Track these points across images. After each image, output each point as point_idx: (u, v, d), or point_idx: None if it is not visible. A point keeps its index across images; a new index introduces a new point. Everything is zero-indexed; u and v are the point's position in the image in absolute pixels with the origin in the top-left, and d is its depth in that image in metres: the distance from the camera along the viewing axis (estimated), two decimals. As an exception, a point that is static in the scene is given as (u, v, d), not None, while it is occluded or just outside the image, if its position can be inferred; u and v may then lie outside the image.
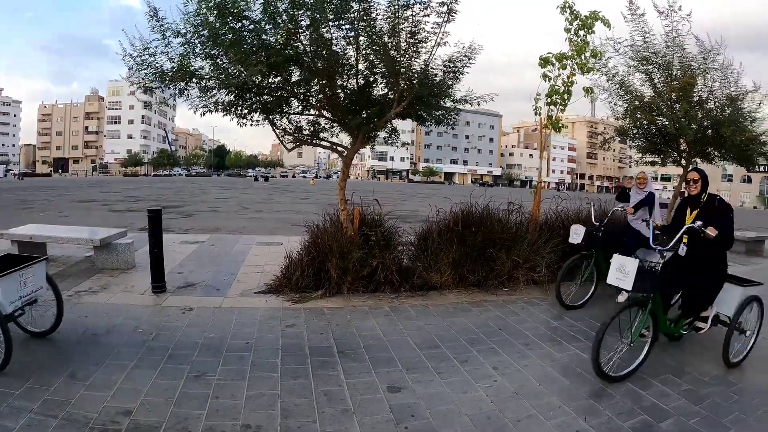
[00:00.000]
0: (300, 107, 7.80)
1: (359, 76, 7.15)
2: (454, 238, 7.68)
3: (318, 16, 5.99)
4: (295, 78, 7.10)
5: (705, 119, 10.49)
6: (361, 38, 6.60)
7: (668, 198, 11.99)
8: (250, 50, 6.23)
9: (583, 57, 8.66)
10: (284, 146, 8.14)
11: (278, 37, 6.54)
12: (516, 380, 4.55)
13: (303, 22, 6.32)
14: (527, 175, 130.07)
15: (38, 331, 5.11)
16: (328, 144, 8.15)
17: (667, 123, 10.58)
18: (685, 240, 5.12)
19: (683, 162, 11.38)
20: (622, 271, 4.65)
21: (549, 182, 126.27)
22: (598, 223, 7.24)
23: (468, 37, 7.13)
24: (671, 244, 4.86)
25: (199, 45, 6.59)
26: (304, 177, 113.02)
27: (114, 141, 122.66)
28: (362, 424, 3.66)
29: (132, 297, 6.78)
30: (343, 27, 6.41)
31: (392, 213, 8.55)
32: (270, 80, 7.12)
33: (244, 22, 6.35)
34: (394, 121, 7.86)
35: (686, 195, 5.41)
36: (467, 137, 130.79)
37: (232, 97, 6.98)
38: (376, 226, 7.67)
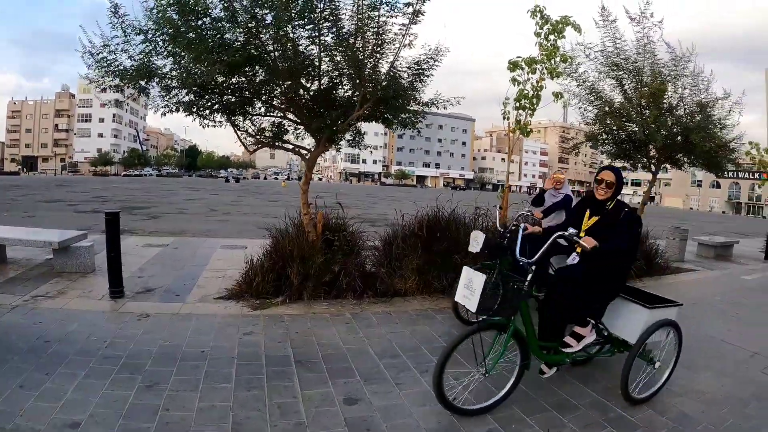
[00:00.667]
0: (263, 108, 7.66)
1: (323, 78, 7.04)
2: (419, 244, 7.58)
3: (280, 14, 5.85)
4: (258, 78, 6.97)
5: (675, 126, 10.54)
6: (326, 38, 6.49)
7: (638, 203, 12.04)
8: (210, 49, 6.07)
9: (552, 62, 8.67)
10: (246, 148, 7.97)
11: (238, 35, 6.40)
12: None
13: (265, 21, 6.19)
14: (499, 179, 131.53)
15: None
16: (290, 146, 7.99)
17: (636, 129, 10.63)
18: (578, 249, 4.47)
19: (653, 168, 11.44)
20: (469, 287, 3.88)
21: (521, 186, 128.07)
22: (503, 229, 6.15)
23: (436, 40, 7.05)
24: (537, 256, 4.01)
25: (161, 42, 6.44)
26: (276, 179, 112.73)
27: (84, 139, 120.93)
28: (315, 439, 3.53)
29: (89, 302, 6.55)
30: (307, 27, 6.28)
31: (360, 216, 8.46)
32: (233, 80, 6.98)
33: (205, 19, 6.20)
34: (361, 123, 7.77)
35: (588, 196, 4.73)
36: (440, 141, 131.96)
37: (192, 96, 6.83)
38: (339, 231, 7.56)
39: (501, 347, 3.93)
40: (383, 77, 6.76)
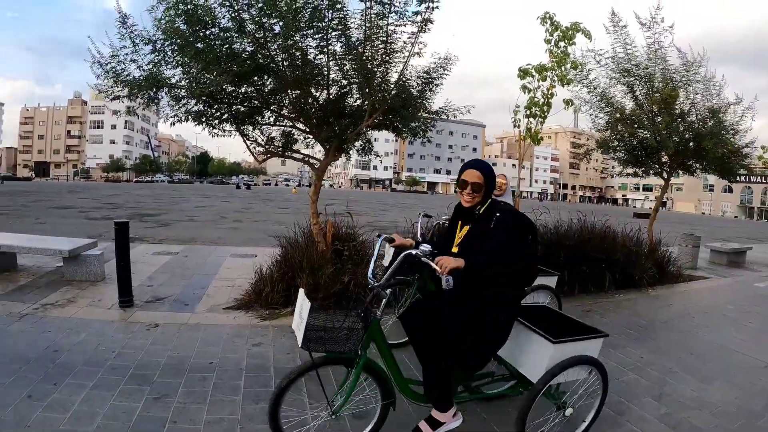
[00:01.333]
0: (272, 118, 7.65)
1: (332, 87, 7.02)
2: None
3: (289, 24, 5.84)
4: (267, 88, 6.96)
5: (686, 132, 10.47)
6: (335, 48, 6.47)
7: (649, 208, 11.95)
8: (219, 58, 6.06)
9: (563, 68, 8.61)
10: (255, 157, 7.98)
11: (246, 45, 6.39)
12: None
13: (274, 30, 6.18)
14: (510, 186, 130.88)
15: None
16: (300, 156, 7.97)
17: (648, 135, 10.55)
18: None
19: (665, 174, 11.37)
20: (301, 315, 3.18)
21: (531, 192, 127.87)
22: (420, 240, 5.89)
23: (445, 48, 7.02)
24: (383, 279, 3.34)
25: (169, 53, 6.45)
26: (287, 185, 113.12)
27: (96, 146, 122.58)
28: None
29: (98, 311, 6.54)
30: (315, 37, 6.26)
31: (371, 224, 8.43)
32: (242, 90, 6.98)
33: (213, 30, 6.20)
34: (371, 131, 7.74)
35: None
36: (450, 147, 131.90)
37: (201, 106, 6.83)
38: (349, 241, 7.52)
39: (349, 385, 3.34)
40: (392, 86, 6.74)
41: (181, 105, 6.84)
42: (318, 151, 8.16)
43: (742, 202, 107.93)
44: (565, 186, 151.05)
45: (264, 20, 6.01)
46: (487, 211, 3.46)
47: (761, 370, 5.68)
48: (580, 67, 9.57)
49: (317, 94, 7.08)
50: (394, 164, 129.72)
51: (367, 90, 6.63)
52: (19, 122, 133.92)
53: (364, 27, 6.24)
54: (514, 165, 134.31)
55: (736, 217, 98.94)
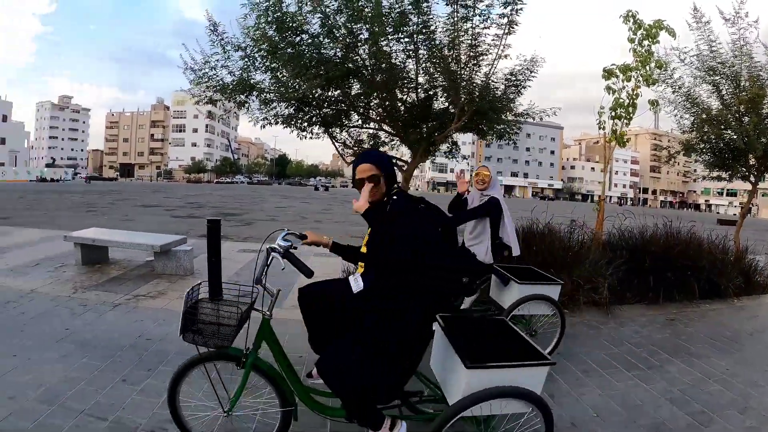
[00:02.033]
0: (360, 120, 7.79)
1: (419, 90, 7.09)
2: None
3: (377, 29, 5.95)
4: (354, 91, 7.10)
5: (776, 133, 10.01)
6: (421, 51, 6.54)
7: (734, 214, 11.51)
8: (309, 64, 6.23)
9: (647, 68, 8.37)
10: (344, 160, 8.09)
11: (336, 50, 6.55)
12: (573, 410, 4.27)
13: (362, 36, 6.31)
14: (588, 189, 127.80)
15: None
16: (387, 158, 8.05)
17: (735, 137, 10.14)
18: (360, 269, 3.38)
19: (752, 178, 10.91)
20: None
21: (610, 196, 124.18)
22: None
23: (529, 50, 6.99)
24: (256, 272, 3.08)
25: (259, 58, 6.66)
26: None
27: (178, 148, 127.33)
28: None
29: (188, 305, 6.80)
30: (402, 40, 6.35)
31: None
32: (329, 94, 7.14)
33: (303, 36, 6.37)
34: (456, 134, 7.78)
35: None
36: (528, 149, 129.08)
37: (291, 110, 7.02)
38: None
39: (240, 385, 3.05)
40: (479, 88, 6.74)
41: (270, 108, 7.05)
42: (403, 153, 8.24)
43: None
44: (645, 190, 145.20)
45: (352, 25, 6.14)
46: (382, 203, 3.15)
47: None
48: (664, 66, 9.29)
49: (404, 97, 7.16)
50: (471, 167, 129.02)
51: (453, 92, 6.68)
52: (105, 126, 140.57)
53: (449, 30, 6.30)
54: (593, 168, 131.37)
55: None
